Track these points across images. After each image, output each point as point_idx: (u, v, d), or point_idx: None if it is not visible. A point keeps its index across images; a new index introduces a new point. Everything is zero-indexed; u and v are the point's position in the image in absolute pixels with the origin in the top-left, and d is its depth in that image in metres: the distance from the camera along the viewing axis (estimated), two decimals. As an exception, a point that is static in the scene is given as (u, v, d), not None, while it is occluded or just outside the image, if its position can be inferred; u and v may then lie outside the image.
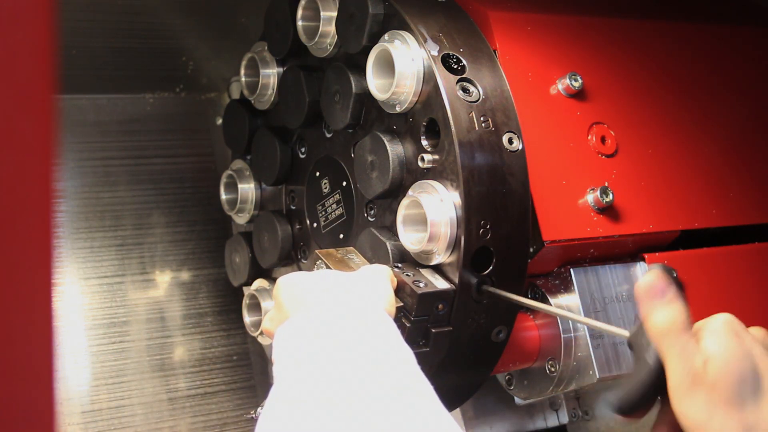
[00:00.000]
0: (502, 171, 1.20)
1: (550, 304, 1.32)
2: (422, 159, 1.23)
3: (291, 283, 1.09)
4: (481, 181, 1.19)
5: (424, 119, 1.24)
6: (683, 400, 0.89)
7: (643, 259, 1.35)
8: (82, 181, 1.76)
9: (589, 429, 1.47)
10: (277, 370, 0.94)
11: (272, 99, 1.55)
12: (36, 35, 0.66)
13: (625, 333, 0.99)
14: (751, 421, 0.88)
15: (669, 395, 0.90)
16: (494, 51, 1.30)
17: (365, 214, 1.36)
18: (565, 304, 1.31)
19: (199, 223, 1.83)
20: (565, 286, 1.31)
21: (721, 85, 1.52)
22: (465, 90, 1.22)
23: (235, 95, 1.77)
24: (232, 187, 1.65)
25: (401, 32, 1.25)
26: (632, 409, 0.94)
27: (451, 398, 1.34)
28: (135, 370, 1.71)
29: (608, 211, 1.31)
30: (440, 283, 1.19)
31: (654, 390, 0.93)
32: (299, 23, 1.44)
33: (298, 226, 1.55)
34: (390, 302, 1.10)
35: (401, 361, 0.93)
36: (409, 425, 0.83)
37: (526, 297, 1.35)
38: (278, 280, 1.12)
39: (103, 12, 1.65)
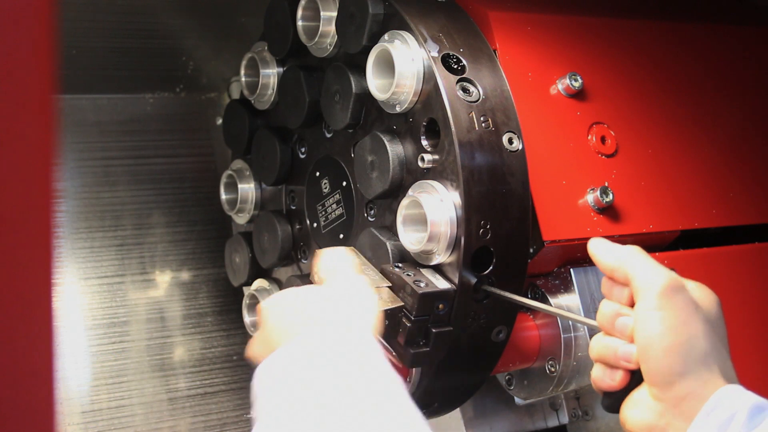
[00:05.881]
0: (502, 171, 1.20)
1: (550, 304, 1.32)
2: (422, 159, 1.23)
3: (277, 310, 1.06)
4: (481, 181, 1.19)
5: (424, 119, 1.23)
6: None
7: (643, 259, 1.35)
8: (82, 181, 1.75)
9: (589, 429, 1.46)
10: (259, 411, 0.93)
11: (272, 99, 1.55)
12: (36, 35, 0.66)
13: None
14: None
15: None
16: (494, 51, 1.30)
17: (365, 214, 1.36)
18: (565, 304, 1.31)
19: (199, 223, 1.83)
20: (565, 286, 1.31)
21: (721, 85, 1.52)
22: (465, 90, 1.22)
23: (235, 95, 1.77)
24: (232, 187, 1.65)
25: (401, 32, 1.25)
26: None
27: (451, 398, 1.34)
28: (135, 370, 1.71)
29: (608, 211, 1.31)
30: (441, 283, 1.19)
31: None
32: (299, 23, 1.44)
33: (298, 226, 1.55)
34: (375, 316, 1.06)
35: (388, 392, 0.91)
36: None
37: (526, 297, 1.35)
38: (262, 305, 1.09)
39: (103, 12, 1.65)
